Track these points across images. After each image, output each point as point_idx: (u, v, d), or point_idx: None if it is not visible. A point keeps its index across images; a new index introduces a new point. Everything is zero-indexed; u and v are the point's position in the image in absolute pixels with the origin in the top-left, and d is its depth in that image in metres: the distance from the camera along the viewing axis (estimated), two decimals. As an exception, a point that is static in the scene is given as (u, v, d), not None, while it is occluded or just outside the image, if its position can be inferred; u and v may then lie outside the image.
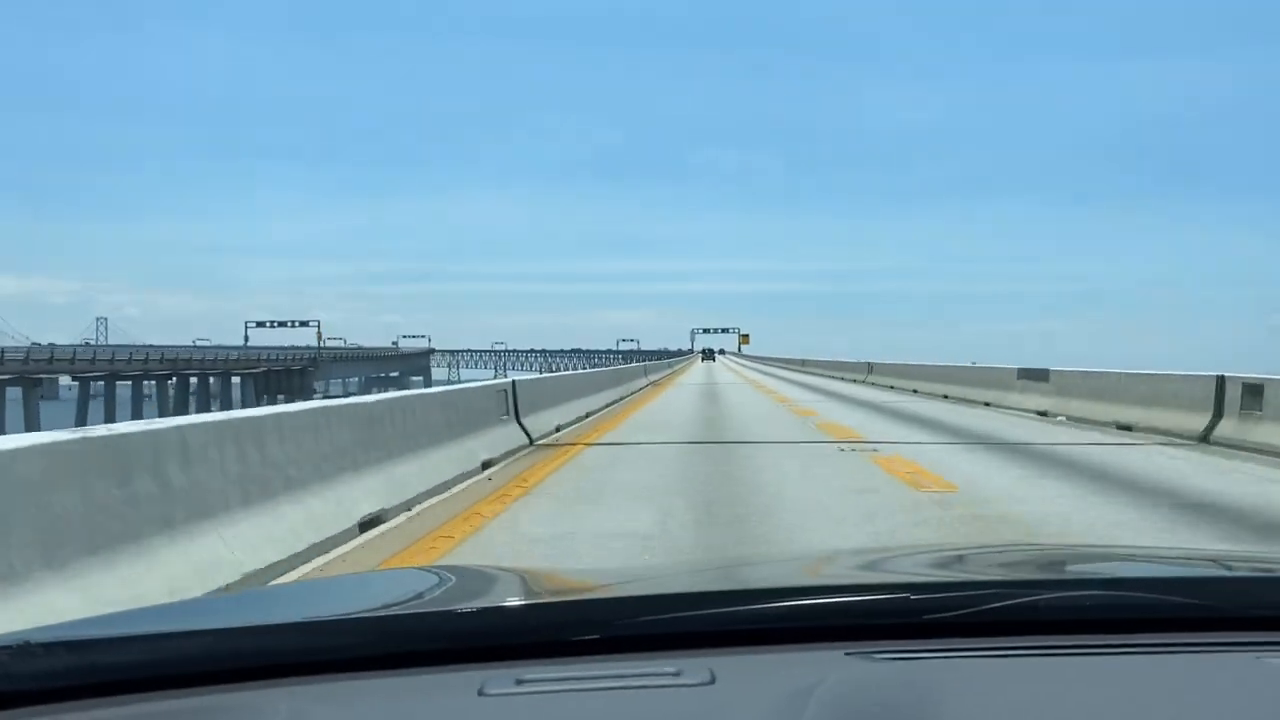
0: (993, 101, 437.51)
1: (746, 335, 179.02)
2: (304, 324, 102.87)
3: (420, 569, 1.87)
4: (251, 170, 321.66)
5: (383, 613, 1.45)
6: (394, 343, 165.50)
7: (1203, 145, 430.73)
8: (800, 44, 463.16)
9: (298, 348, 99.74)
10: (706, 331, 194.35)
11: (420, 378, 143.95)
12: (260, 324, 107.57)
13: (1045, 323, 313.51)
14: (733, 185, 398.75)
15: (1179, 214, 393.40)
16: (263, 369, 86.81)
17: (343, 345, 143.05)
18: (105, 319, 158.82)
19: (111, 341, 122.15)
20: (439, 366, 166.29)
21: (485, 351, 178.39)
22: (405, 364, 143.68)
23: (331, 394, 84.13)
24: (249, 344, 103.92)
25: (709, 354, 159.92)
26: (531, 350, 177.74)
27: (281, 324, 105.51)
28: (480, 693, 1.13)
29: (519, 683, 1.16)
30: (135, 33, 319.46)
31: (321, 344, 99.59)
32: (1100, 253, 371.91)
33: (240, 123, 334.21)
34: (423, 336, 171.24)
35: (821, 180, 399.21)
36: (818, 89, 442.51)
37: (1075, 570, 1.88)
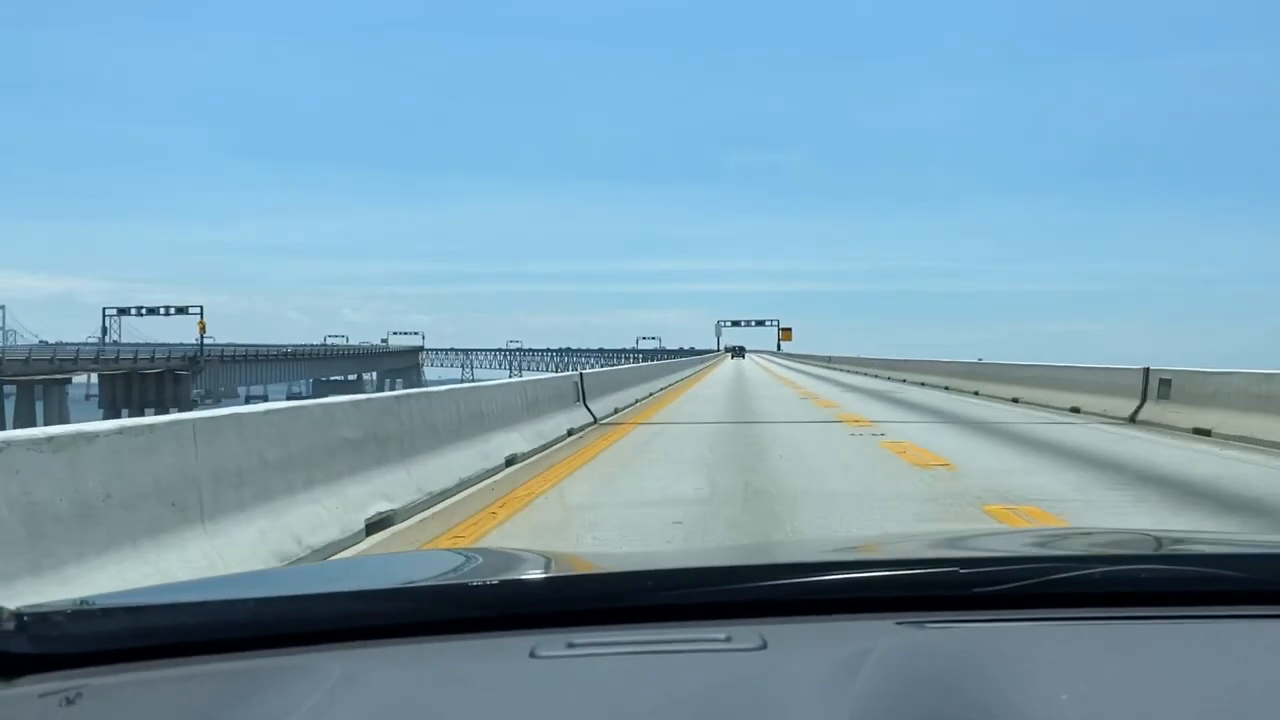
0: (1029, 97, 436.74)
1: (788, 329, 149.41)
2: (181, 310, 75.38)
3: (467, 550, 1.98)
4: (284, 171, 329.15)
5: (434, 582, 1.51)
6: (383, 340, 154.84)
7: (1251, 141, 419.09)
8: (832, 43, 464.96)
9: (187, 345, 72.59)
10: (736, 324, 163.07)
11: (401, 380, 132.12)
12: (124, 311, 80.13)
13: (1084, 322, 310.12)
14: (765, 185, 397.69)
15: (1223, 210, 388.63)
16: (72, 374, 59.21)
17: (343, 344, 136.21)
18: (118, 316, 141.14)
19: (125, 340, 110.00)
20: (449, 365, 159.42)
21: (499, 350, 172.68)
22: (374, 363, 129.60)
23: (230, 403, 56.51)
24: (109, 339, 76.52)
25: (738, 351, 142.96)
26: (546, 350, 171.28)
27: (152, 311, 78.11)
28: (532, 655, 1.18)
29: (570, 646, 1.20)
30: (166, 33, 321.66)
31: (204, 339, 71.94)
32: (1142, 250, 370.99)
33: (272, 124, 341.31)
34: (415, 334, 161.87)
35: (855, 180, 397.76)
36: (850, 88, 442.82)
37: (1128, 548, 1.88)
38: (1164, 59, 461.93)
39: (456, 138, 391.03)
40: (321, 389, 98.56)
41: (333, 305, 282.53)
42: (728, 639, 1.21)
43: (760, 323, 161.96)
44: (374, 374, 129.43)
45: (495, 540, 6.11)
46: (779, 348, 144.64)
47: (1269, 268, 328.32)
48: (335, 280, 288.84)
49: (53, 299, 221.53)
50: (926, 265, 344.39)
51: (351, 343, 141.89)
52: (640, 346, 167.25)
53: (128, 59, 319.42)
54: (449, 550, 3.26)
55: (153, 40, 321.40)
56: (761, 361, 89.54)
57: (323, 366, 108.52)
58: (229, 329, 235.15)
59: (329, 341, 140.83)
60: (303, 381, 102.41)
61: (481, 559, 1.73)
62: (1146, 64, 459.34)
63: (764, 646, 1.19)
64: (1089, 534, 2.41)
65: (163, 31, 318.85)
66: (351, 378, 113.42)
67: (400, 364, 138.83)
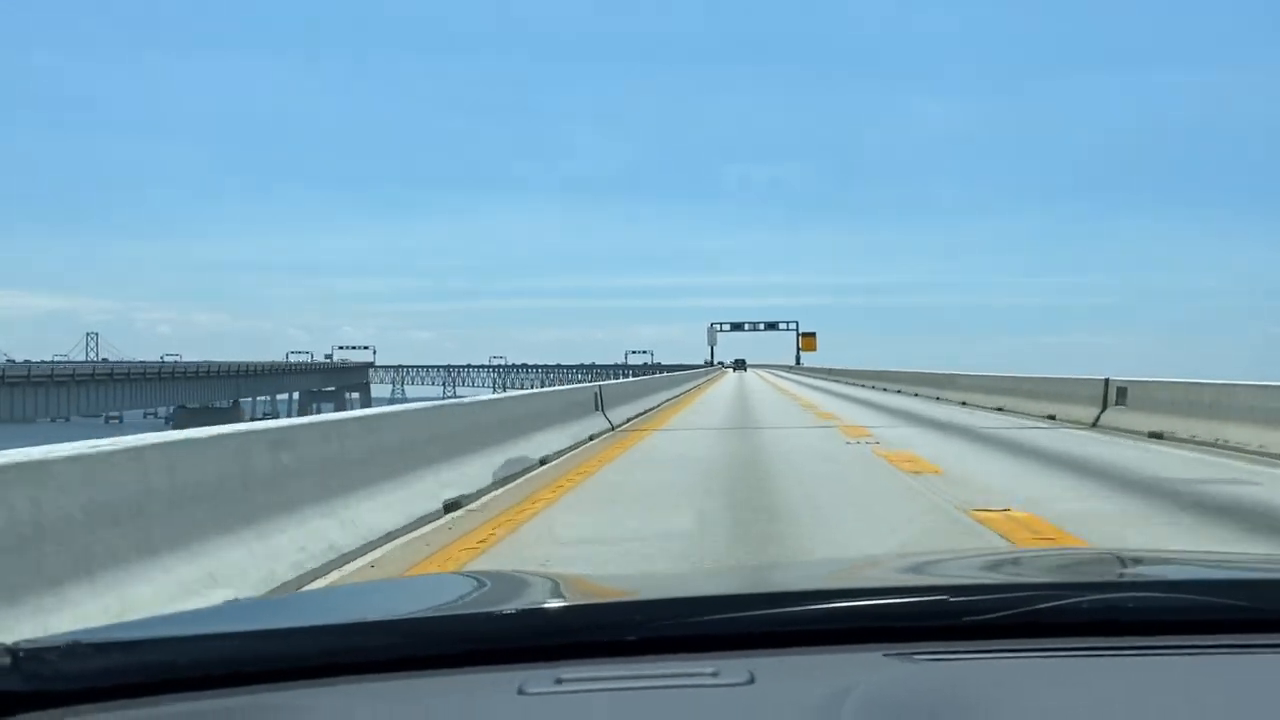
0: (1028, 111, 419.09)
1: (811, 335, 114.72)
2: None
3: (457, 574, 2.02)
4: (284, 188, 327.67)
5: (422, 614, 1.54)
6: (327, 356, 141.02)
7: (1248, 153, 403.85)
8: (832, 59, 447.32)
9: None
10: (738, 328, 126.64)
11: (357, 394, 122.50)
12: None
13: (1086, 335, 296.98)
14: (766, 200, 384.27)
15: (1221, 222, 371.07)
16: None
17: (308, 360, 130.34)
18: (96, 334, 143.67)
19: (103, 357, 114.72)
20: (430, 383, 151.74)
21: (483, 367, 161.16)
22: (276, 383, 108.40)
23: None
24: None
25: (738, 365, 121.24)
26: (531, 365, 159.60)
27: None
28: (520, 691, 1.21)
29: (558, 682, 1.23)
30: (169, 54, 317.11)
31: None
32: (1141, 263, 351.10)
33: (273, 141, 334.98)
34: (366, 348, 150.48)
35: (855, 194, 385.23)
36: (850, 103, 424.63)
37: (1116, 573, 1.88)
38: (1160, 73, 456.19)
39: (458, 154, 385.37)
40: (186, 419, 77.44)
41: (333, 323, 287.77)
42: (715, 673, 1.23)
43: (772, 325, 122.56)
44: (292, 395, 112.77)
45: None
46: (799, 360, 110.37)
47: (1268, 279, 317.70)
48: (337, 297, 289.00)
49: (50, 318, 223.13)
50: (927, 280, 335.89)
51: (318, 359, 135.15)
52: (629, 361, 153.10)
53: (127, 79, 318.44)
54: (442, 575, 3.22)
55: (153, 60, 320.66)
56: (783, 383, 52.83)
57: (195, 388, 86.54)
58: (229, 347, 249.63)
59: (291, 358, 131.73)
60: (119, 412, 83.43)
61: (479, 585, 1.74)
62: (1143, 78, 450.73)
63: (751, 681, 1.21)
64: (1086, 556, 2.36)
65: (163, 52, 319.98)
66: (223, 404, 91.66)
67: (331, 383, 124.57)
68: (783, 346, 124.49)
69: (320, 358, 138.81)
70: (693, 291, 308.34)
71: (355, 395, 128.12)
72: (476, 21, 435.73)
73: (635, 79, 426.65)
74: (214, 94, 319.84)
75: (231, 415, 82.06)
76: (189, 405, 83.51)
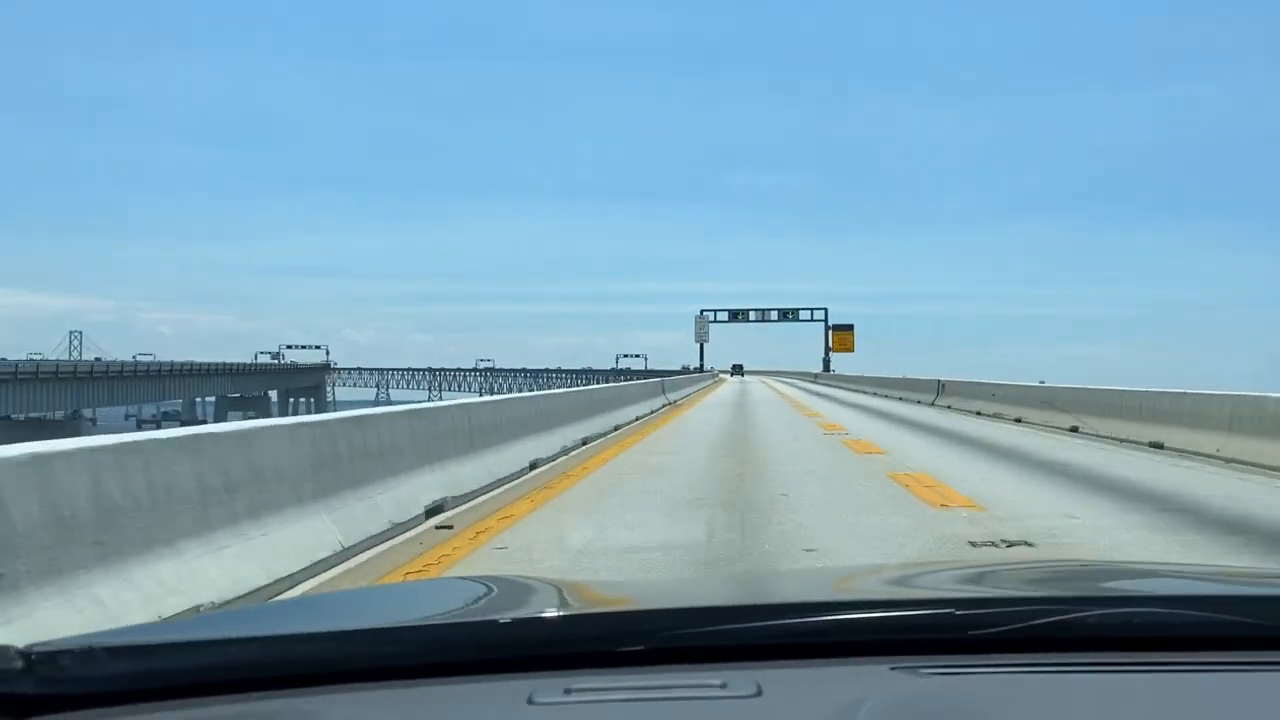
0: (1033, 121, 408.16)
1: (846, 329, 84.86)
2: None
3: (463, 579, 2.04)
4: (286, 192, 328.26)
5: (431, 621, 1.58)
6: (276, 355, 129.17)
7: (1258, 164, 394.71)
8: (838, 66, 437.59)
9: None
10: (736, 318, 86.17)
11: (313, 399, 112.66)
12: None
13: (1093, 346, 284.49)
14: (769, 207, 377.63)
15: (1228, 234, 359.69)
16: None
17: (273, 359, 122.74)
18: (80, 332, 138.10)
19: (86, 356, 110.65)
20: (415, 387, 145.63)
21: (470, 370, 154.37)
22: (233, 382, 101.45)
23: None
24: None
25: (737, 370, 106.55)
26: (515, 370, 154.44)
27: None
28: (530, 701, 1.24)
29: (567, 692, 1.27)
30: (174, 55, 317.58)
31: None
32: (1150, 274, 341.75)
33: (275, 145, 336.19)
34: (319, 348, 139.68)
35: (860, 203, 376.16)
36: (856, 110, 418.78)
37: (1123, 587, 1.92)
38: (1169, 84, 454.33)
39: (460, 159, 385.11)
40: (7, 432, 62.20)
41: (334, 325, 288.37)
42: (724, 685, 1.26)
43: (789, 314, 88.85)
44: (205, 399, 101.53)
45: None
46: (827, 366, 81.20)
47: (1275, 291, 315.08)
48: (339, 300, 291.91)
49: (53, 318, 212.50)
50: (934, 289, 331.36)
51: (262, 359, 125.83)
52: (620, 366, 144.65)
53: (130, 79, 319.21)
54: (448, 580, 3.23)
55: (155, 61, 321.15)
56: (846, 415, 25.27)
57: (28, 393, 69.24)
58: (228, 348, 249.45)
59: (259, 359, 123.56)
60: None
61: (486, 591, 1.77)
62: (1151, 89, 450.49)
63: (759, 693, 1.23)
64: (1090, 570, 2.44)
65: (169, 52, 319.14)
66: (87, 414, 77.51)
67: (279, 385, 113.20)
68: (801, 349, 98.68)
69: (267, 358, 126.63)
70: (699, 298, 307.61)
71: (312, 400, 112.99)
72: (480, 27, 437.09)
73: (637, 84, 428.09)
74: (218, 95, 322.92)
75: (68, 428, 64.92)
76: (13, 416, 67.05)
